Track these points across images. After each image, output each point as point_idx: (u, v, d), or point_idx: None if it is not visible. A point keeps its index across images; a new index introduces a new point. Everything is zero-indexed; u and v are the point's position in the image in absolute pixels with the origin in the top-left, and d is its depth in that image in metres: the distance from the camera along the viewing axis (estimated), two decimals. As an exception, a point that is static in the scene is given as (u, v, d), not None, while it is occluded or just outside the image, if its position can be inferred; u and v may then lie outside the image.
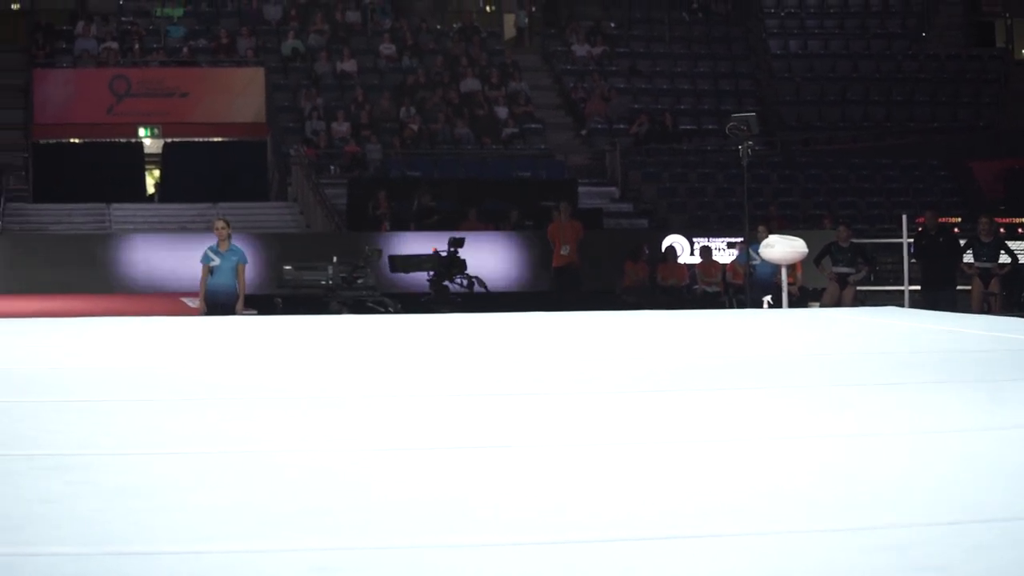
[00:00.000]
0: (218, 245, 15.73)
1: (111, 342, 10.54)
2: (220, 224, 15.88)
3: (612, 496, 4.23)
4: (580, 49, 31.12)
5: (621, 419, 6.00)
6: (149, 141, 28.48)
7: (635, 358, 9.02)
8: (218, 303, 15.69)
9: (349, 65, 29.18)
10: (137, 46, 29.31)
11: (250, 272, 16.70)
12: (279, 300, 19.48)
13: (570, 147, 28.74)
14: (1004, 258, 18.37)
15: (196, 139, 28.27)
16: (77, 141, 28.19)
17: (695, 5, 32.80)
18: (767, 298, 19.32)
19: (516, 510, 4.03)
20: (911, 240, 19.04)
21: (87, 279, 21.82)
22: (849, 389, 7.02)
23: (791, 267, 17.77)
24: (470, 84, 29.16)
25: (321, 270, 19.61)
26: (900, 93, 31.11)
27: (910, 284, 18.83)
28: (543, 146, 28.45)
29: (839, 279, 19.19)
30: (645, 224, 26.03)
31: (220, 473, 4.69)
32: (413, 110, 28.17)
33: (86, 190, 26.32)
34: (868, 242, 21.44)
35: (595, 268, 22.06)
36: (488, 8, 33.26)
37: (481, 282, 21.11)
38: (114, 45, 29.22)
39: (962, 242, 18.91)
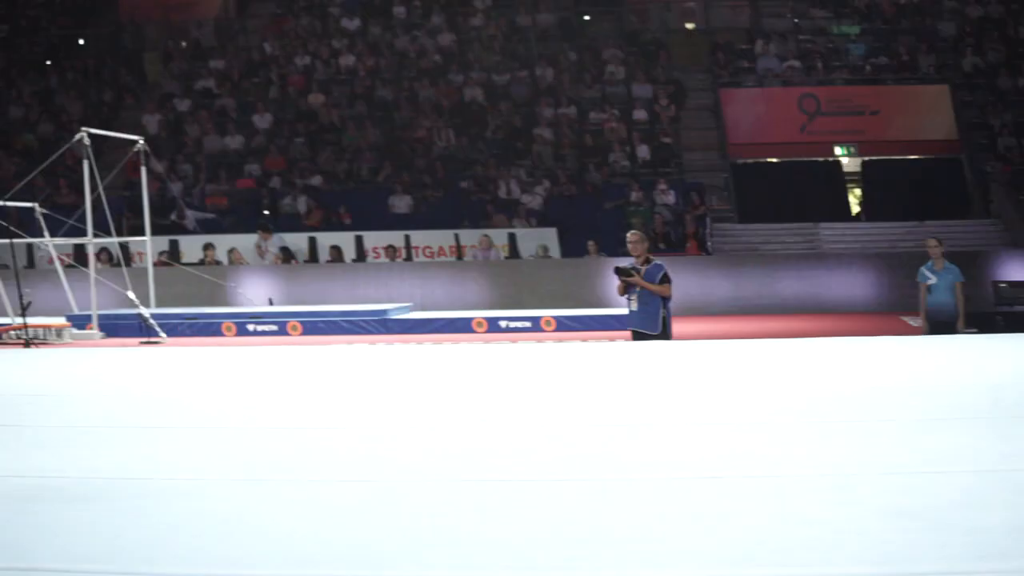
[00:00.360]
0: (933, 264, 15.95)
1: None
2: (933, 243, 16.10)
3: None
4: None
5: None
6: (846, 160, 28.96)
7: None
8: (939, 321, 15.79)
9: (1031, 80, 28.87)
10: (820, 64, 30.07)
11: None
12: (1000, 318, 19.40)
13: None
14: None
15: (892, 157, 28.52)
16: (773, 160, 28.91)
17: None
18: None
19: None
20: None
21: (799, 298, 22.13)
22: None
23: None
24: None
25: (1033, 287, 19.47)
26: None
27: None
28: None
29: None
30: None
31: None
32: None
33: (788, 209, 26.87)
34: None
35: None
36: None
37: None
38: (796, 63, 30.08)
39: None
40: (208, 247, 24.35)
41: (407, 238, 24.89)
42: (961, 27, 30.55)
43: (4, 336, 18.45)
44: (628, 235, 14.11)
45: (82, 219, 20.26)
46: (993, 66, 29.50)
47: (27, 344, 17.30)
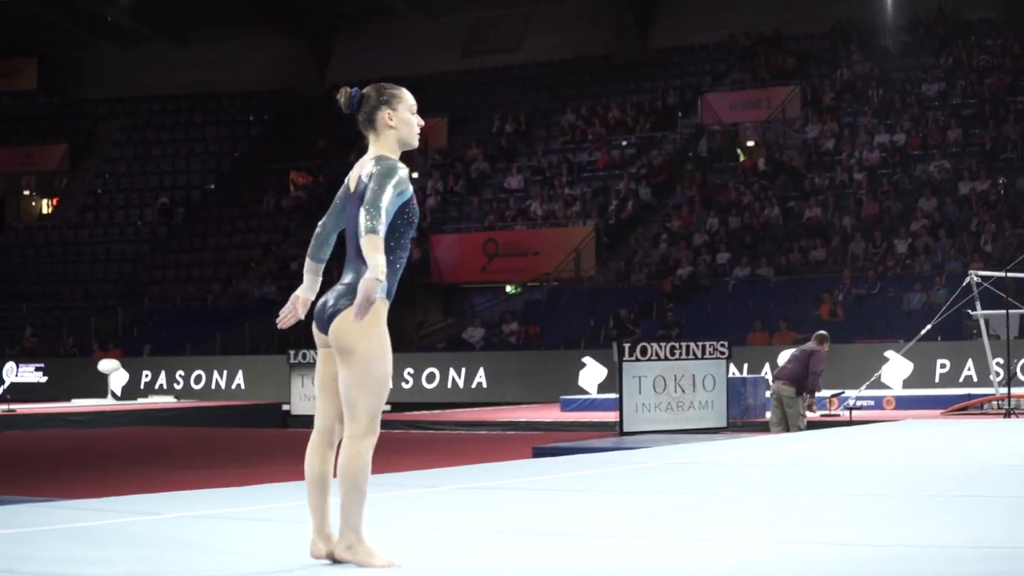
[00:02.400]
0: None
1: None
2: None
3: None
4: None
5: None
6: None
7: None
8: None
9: None
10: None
11: None
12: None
13: None
14: None
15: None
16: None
17: None
18: None
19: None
20: None
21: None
22: None
23: None
24: None
25: None
26: None
27: None
28: None
29: None
30: None
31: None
32: None
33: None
34: None
35: None
36: None
37: None
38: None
39: None
40: None
41: None
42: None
43: (986, 406, 18.62)
44: None
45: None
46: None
47: (1007, 414, 17.33)
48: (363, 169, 5.60)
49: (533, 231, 33.96)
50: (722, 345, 18.36)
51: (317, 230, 5.90)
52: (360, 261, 5.48)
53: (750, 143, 34.90)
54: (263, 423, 24.18)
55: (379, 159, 5.56)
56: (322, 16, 44.09)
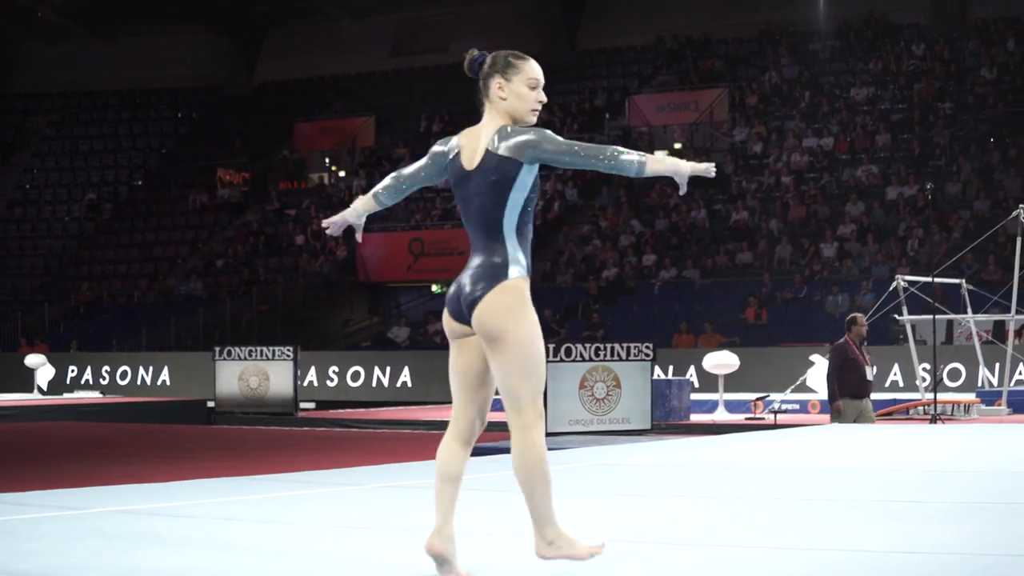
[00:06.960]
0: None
1: None
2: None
3: None
4: None
5: None
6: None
7: None
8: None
9: None
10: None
11: None
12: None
13: None
14: None
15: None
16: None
17: None
18: None
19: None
20: None
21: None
22: None
23: None
24: None
25: None
26: None
27: None
28: None
29: None
30: None
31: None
32: None
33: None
34: None
35: None
36: None
37: None
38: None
39: None
40: None
41: None
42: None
43: (912, 411, 18.79)
44: None
45: (1007, 295, 20.15)
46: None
47: (933, 419, 17.49)
48: (480, 141, 5.32)
49: (459, 230, 33.85)
50: (647, 347, 18.36)
51: (392, 179, 5.55)
52: (491, 242, 5.17)
53: (677, 145, 35.05)
54: (188, 419, 23.95)
55: (503, 129, 5.25)
56: (250, 15, 43.91)
